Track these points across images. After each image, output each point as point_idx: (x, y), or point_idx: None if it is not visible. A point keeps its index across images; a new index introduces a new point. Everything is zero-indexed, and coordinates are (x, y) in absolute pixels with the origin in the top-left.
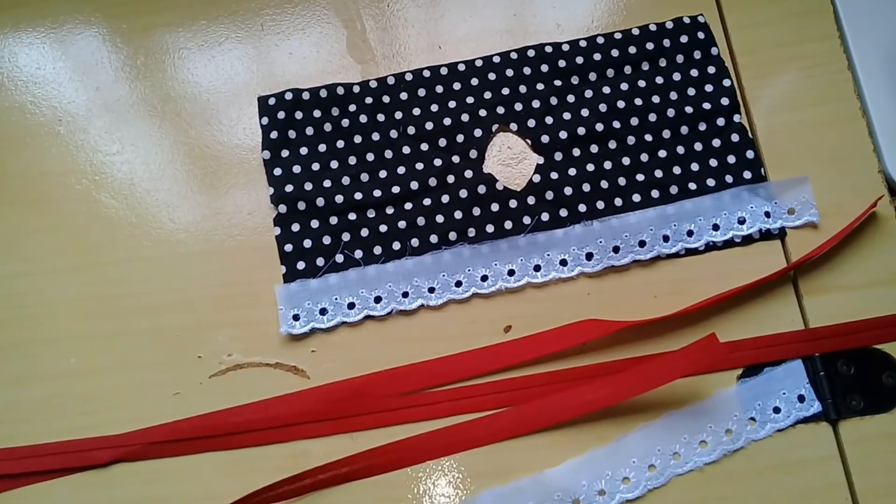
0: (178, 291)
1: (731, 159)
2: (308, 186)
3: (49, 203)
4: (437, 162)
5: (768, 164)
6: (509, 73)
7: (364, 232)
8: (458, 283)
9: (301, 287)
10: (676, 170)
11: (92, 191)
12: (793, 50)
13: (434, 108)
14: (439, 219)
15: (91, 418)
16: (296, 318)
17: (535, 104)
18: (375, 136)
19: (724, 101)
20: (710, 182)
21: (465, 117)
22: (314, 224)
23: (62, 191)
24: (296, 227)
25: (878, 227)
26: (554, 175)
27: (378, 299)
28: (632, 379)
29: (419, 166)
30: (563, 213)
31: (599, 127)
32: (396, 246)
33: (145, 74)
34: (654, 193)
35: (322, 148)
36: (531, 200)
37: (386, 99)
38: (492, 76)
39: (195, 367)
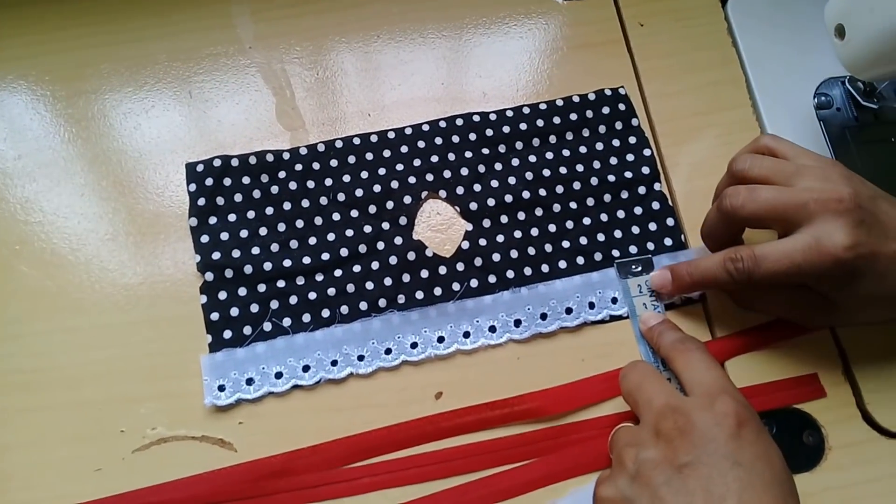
0: (100, 363)
1: (653, 226)
2: (236, 254)
3: None
4: (367, 229)
5: (688, 230)
6: (438, 141)
7: (293, 299)
8: (388, 351)
9: (227, 357)
10: (600, 237)
11: (11, 261)
12: (708, 118)
13: (364, 174)
14: (369, 286)
15: (7, 497)
16: (221, 388)
17: (464, 172)
18: (305, 203)
19: (645, 170)
20: (633, 249)
21: (394, 184)
22: (241, 292)
23: None
24: (223, 295)
25: None
26: (482, 242)
27: (306, 368)
28: (566, 462)
29: (349, 233)
30: (492, 279)
31: (526, 194)
32: (325, 313)
33: (69, 142)
34: (580, 260)
35: (251, 215)
36: (460, 267)
37: (316, 166)
38: (421, 144)
39: (117, 441)
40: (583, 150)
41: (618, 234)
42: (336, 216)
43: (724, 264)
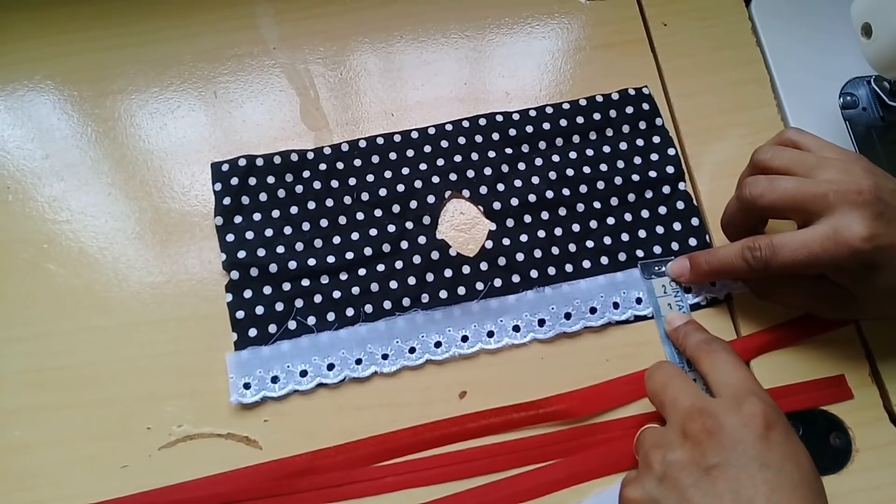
0: (127, 361)
1: (677, 226)
2: (261, 252)
3: None
4: (391, 228)
5: (713, 230)
6: (461, 140)
7: (317, 298)
8: (412, 350)
9: (252, 355)
10: (624, 237)
11: (39, 259)
12: (733, 117)
13: (388, 174)
14: (393, 285)
15: (34, 494)
16: (247, 386)
17: (487, 171)
18: (329, 202)
19: (670, 169)
20: (657, 249)
21: (418, 184)
22: (267, 290)
23: (8, 259)
24: (248, 294)
25: None
26: (506, 241)
27: (331, 366)
28: (591, 463)
29: (373, 232)
30: (516, 278)
31: (549, 194)
32: (350, 312)
33: (96, 141)
34: (604, 260)
35: (275, 214)
36: (484, 266)
37: (340, 165)
38: (444, 143)
39: (144, 438)
40: (606, 149)
41: (642, 233)
42: (360, 215)
43: (742, 253)
